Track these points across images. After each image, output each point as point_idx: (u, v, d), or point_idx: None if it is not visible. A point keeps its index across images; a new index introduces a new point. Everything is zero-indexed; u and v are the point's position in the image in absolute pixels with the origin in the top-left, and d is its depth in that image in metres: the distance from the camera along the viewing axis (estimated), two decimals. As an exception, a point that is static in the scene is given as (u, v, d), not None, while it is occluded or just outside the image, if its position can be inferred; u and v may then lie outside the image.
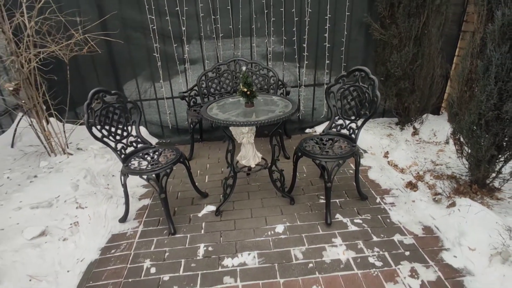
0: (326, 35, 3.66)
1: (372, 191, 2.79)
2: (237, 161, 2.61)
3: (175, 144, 3.96)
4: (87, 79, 3.62)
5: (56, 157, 3.20)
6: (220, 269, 2.04)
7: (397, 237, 2.24)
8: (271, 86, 3.52)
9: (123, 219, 2.55)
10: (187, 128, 3.89)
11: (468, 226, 2.15)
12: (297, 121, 4.12)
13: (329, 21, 3.59)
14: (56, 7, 2.97)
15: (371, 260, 2.05)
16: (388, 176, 2.99)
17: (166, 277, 2.01)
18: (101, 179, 3.03)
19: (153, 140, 4.02)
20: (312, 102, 4.07)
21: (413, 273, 1.94)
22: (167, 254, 2.20)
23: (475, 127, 2.39)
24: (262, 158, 2.65)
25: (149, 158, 2.51)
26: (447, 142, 3.47)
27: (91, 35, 3.07)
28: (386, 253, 2.10)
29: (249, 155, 2.52)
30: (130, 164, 2.41)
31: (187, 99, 3.53)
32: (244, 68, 2.33)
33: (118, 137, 2.49)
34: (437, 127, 3.79)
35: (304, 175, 3.11)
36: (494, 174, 2.54)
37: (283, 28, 3.61)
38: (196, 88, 3.57)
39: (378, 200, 2.67)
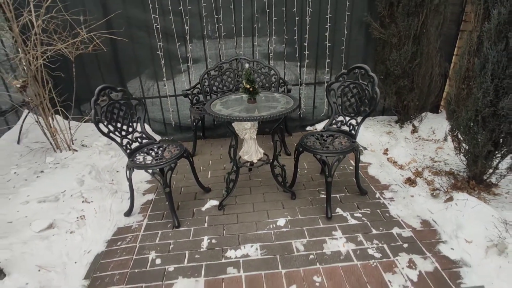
0: (327, 34, 3.72)
1: (372, 187, 2.84)
2: (240, 157, 2.66)
3: (178, 141, 4.02)
4: (92, 77, 3.68)
5: (61, 153, 3.26)
6: (223, 260, 2.10)
7: (395, 230, 2.30)
8: (273, 84, 3.58)
9: (128, 213, 2.61)
10: (190, 126, 3.95)
11: (465, 219, 2.21)
12: (298, 119, 4.18)
13: (329, 20, 3.65)
14: (62, 6, 3.03)
15: (370, 251, 2.11)
16: (388, 172, 3.04)
17: (171, 268, 2.07)
18: (106, 174, 3.09)
19: (156, 138, 4.07)
20: (313, 100, 4.13)
21: (411, 264, 2.00)
22: (171, 246, 2.26)
23: (472, 124, 2.45)
24: (264, 153, 2.71)
25: (153, 153, 2.57)
26: (445, 139, 3.53)
27: (96, 34, 3.13)
28: (385, 245, 2.16)
29: (252, 150, 2.58)
30: (135, 159, 2.47)
31: (190, 96, 3.60)
32: (247, 65, 2.39)
33: (123, 133, 2.55)
34: (436, 125, 3.85)
35: (305, 171, 3.17)
36: (491, 170, 2.60)
37: (284, 27, 3.67)
38: (198, 86, 3.63)
39: (377, 195, 2.73)
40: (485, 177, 2.67)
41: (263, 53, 3.83)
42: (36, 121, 3.13)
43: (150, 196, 2.89)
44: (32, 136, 3.53)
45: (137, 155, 2.53)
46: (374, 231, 2.30)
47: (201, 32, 3.63)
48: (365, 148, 3.55)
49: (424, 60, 3.44)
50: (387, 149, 3.48)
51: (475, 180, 2.69)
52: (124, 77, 3.81)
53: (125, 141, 2.52)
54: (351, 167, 3.20)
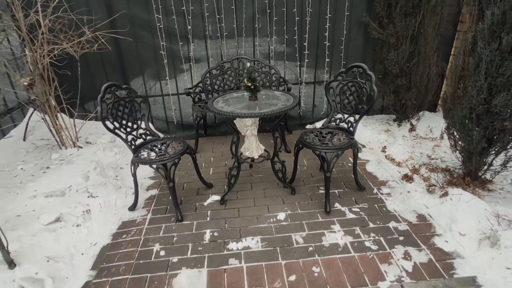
0: (326, 34, 3.80)
1: (370, 183, 2.92)
2: (241, 153, 2.74)
3: (181, 139, 4.10)
4: (96, 76, 3.76)
5: (67, 150, 3.33)
6: (225, 252, 2.18)
7: (392, 224, 2.37)
8: (273, 83, 3.65)
9: (132, 208, 2.68)
10: (192, 124, 4.03)
11: (459, 213, 2.28)
12: (298, 118, 4.25)
13: (329, 20, 3.73)
14: (67, 6, 3.11)
15: (367, 244, 2.19)
16: (385, 169, 3.12)
17: (175, 259, 2.14)
18: (110, 171, 3.16)
19: (159, 135, 4.15)
20: (312, 99, 4.20)
21: (406, 256, 2.07)
22: (175, 239, 2.34)
23: (467, 121, 2.52)
24: (265, 150, 2.78)
25: (157, 150, 2.64)
26: (441, 137, 3.60)
27: (101, 33, 3.21)
28: (381, 238, 2.23)
29: (253, 146, 2.66)
30: (140, 154, 2.54)
31: (192, 95, 3.67)
32: (248, 64, 2.47)
33: (128, 129, 2.63)
34: (433, 123, 3.92)
35: (305, 168, 3.25)
36: (485, 167, 2.67)
37: (284, 28, 3.75)
38: (201, 85, 3.71)
39: (375, 190, 2.80)
40: (480, 174, 2.74)
41: (264, 53, 3.91)
42: (42, 119, 3.21)
43: (154, 192, 2.96)
44: (38, 133, 3.61)
45: (142, 151, 2.61)
46: (371, 225, 2.37)
47: (203, 32, 3.70)
48: (363, 146, 3.63)
49: (421, 59, 3.51)
50: (385, 146, 3.55)
51: (470, 176, 2.76)
52: (128, 76, 3.88)
53: (130, 137, 2.60)
54: (349, 164, 3.27)
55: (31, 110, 3.52)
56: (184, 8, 3.56)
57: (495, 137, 2.48)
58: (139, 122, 2.73)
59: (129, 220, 2.58)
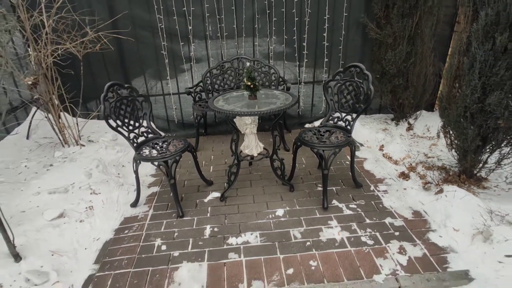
0: (325, 34, 3.85)
1: (367, 180, 2.97)
2: (241, 151, 2.80)
3: (182, 137, 4.16)
4: (98, 76, 3.82)
5: (69, 148, 3.39)
6: (225, 247, 2.23)
7: (388, 220, 2.43)
8: (272, 83, 3.71)
9: (134, 204, 2.74)
10: (192, 123, 4.09)
11: (454, 209, 2.34)
12: (297, 117, 4.31)
13: (327, 21, 3.79)
14: (70, 7, 3.17)
15: (363, 239, 2.24)
16: (382, 167, 3.17)
17: (176, 253, 2.20)
18: (112, 168, 3.22)
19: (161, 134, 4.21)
20: (311, 99, 4.26)
21: (401, 250, 2.13)
22: (176, 234, 2.40)
23: (461, 120, 2.58)
24: (264, 148, 2.84)
25: (158, 147, 2.70)
26: (438, 136, 3.65)
27: (103, 33, 3.27)
28: (377, 233, 2.29)
29: (252, 144, 2.71)
30: (142, 152, 2.60)
31: (192, 94, 3.73)
32: (248, 64, 2.52)
33: (130, 127, 2.68)
34: (430, 122, 3.97)
35: (303, 166, 3.30)
36: (480, 164, 2.73)
37: (284, 28, 3.81)
38: (201, 84, 3.76)
39: (372, 188, 2.86)
40: (475, 171, 2.80)
41: (263, 53, 3.97)
42: (46, 117, 3.26)
43: (155, 189, 3.02)
44: (41, 132, 3.67)
45: (143, 148, 2.67)
46: (367, 221, 2.43)
47: (203, 32, 3.76)
48: (361, 145, 3.68)
49: (418, 59, 3.57)
50: (382, 145, 3.61)
51: (466, 174, 2.82)
52: (129, 75, 3.94)
53: (132, 135, 2.65)
54: (347, 162, 3.33)
55: (34, 109, 3.57)
56: (185, 8, 3.62)
57: (489, 135, 2.54)
58: (140, 120, 2.79)
59: (131, 216, 2.64)
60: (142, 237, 2.38)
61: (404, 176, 2.98)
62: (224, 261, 2.11)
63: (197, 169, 2.93)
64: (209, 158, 3.59)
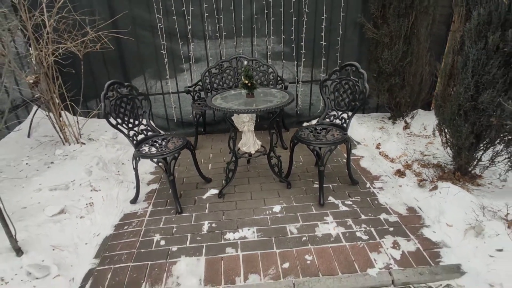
0: (323, 34, 3.90)
1: (363, 177, 3.02)
2: (239, 148, 2.84)
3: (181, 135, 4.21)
4: (98, 75, 3.86)
5: (70, 146, 3.44)
6: (222, 242, 2.28)
7: (383, 216, 2.47)
8: (271, 82, 3.75)
9: (134, 201, 2.79)
10: (191, 121, 4.13)
11: (447, 205, 2.38)
12: (295, 116, 4.35)
13: (325, 21, 3.83)
14: (71, 6, 3.22)
15: (358, 234, 2.29)
16: (379, 165, 3.22)
17: (174, 248, 2.24)
18: (112, 166, 3.26)
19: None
20: (309, 97, 4.30)
21: (395, 245, 2.17)
22: (174, 229, 2.44)
23: (456, 117, 2.62)
24: (261, 145, 2.88)
25: (158, 145, 2.74)
26: (434, 134, 3.69)
27: (103, 33, 3.32)
28: (372, 229, 2.33)
29: (250, 142, 2.76)
30: (141, 149, 2.65)
31: (191, 93, 3.78)
32: (245, 62, 2.57)
33: (130, 125, 2.73)
34: (427, 121, 4.01)
35: (301, 163, 3.35)
36: (475, 162, 2.77)
37: (282, 28, 3.85)
38: (200, 83, 3.81)
39: (368, 185, 2.90)
40: (469, 169, 2.84)
41: (262, 53, 4.01)
42: (47, 115, 3.31)
43: (154, 186, 3.06)
44: (42, 130, 3.72)
45: (143, 146, 2.71)
46: (363, 217, 2.47)
47: (202, 32, 3.81)
48: (358, 143, 3.72)
49: (414, 59, 3.62)
50: (379, 143, 3.65)
51: (461, 171, 2.86)
52: (129, 75, 3.98)
53: (131, 133, 2.70)
54: (344, 160, 3.36)
55: (35, 107, 3.62)
56: (184, 8, 3.66)
57: (482, 133, 2.58)
58: (140, 118, 2.83)
59: (131, 212, 2.68)
60: (142, 233, 2.42)
61: (399, 173, 3.02)
62: (222, 255, 2.16)
63: (195, 167, 2.97)
64: (208, 156, 3.63)
